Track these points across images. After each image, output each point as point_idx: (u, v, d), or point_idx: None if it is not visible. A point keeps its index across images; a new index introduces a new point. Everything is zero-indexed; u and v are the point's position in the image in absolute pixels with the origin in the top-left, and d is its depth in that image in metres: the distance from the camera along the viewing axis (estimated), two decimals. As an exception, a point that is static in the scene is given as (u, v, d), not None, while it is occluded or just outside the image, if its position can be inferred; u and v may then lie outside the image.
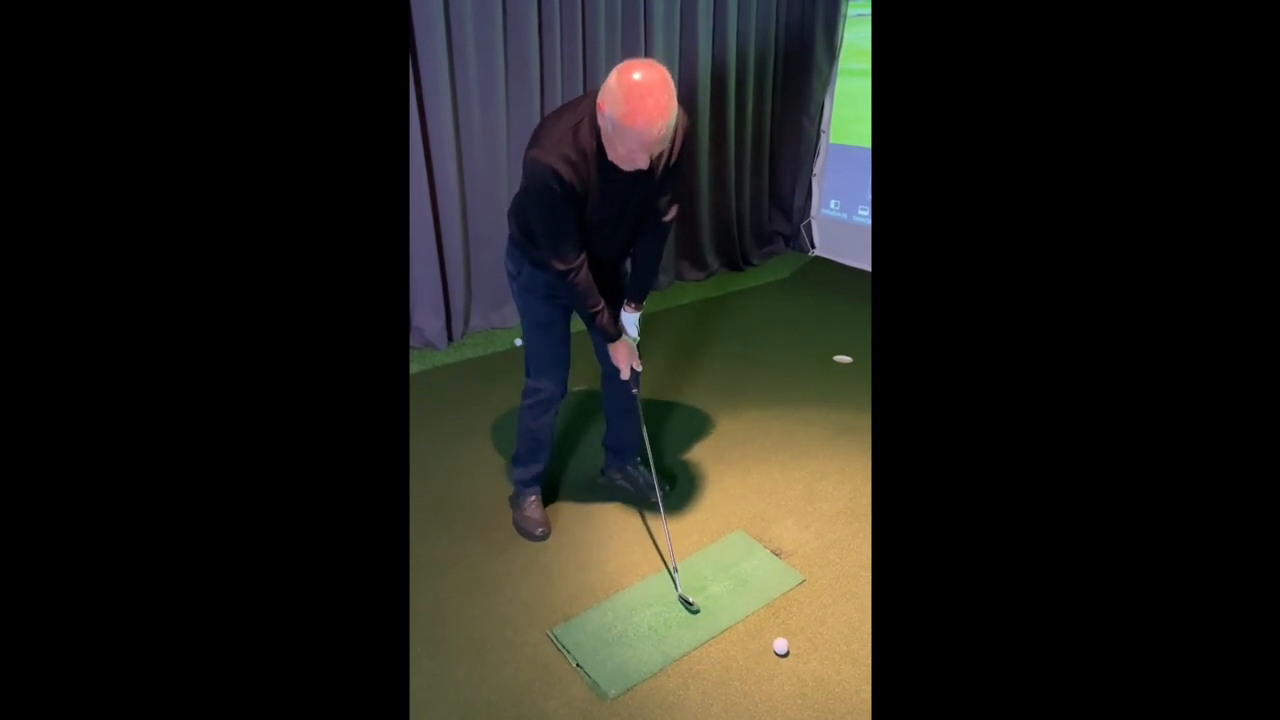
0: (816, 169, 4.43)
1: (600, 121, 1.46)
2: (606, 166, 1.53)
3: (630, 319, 1.89)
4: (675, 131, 1.60)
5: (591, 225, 1.67)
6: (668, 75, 1.41)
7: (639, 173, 1.55)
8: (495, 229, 3.14)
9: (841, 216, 4.42)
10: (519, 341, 3.27)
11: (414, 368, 3.05)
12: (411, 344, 3.18)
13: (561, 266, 1.64)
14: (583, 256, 1.65)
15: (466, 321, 3.35)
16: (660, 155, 1.60)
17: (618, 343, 1.86)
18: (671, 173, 1.67)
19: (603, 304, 1.76)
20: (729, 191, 4.10)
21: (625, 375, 1.92)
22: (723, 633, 1.74)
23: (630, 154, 1.46)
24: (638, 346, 1.93)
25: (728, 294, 3.99)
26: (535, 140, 1.54)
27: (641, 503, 2.19)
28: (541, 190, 1.52)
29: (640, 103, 1.37)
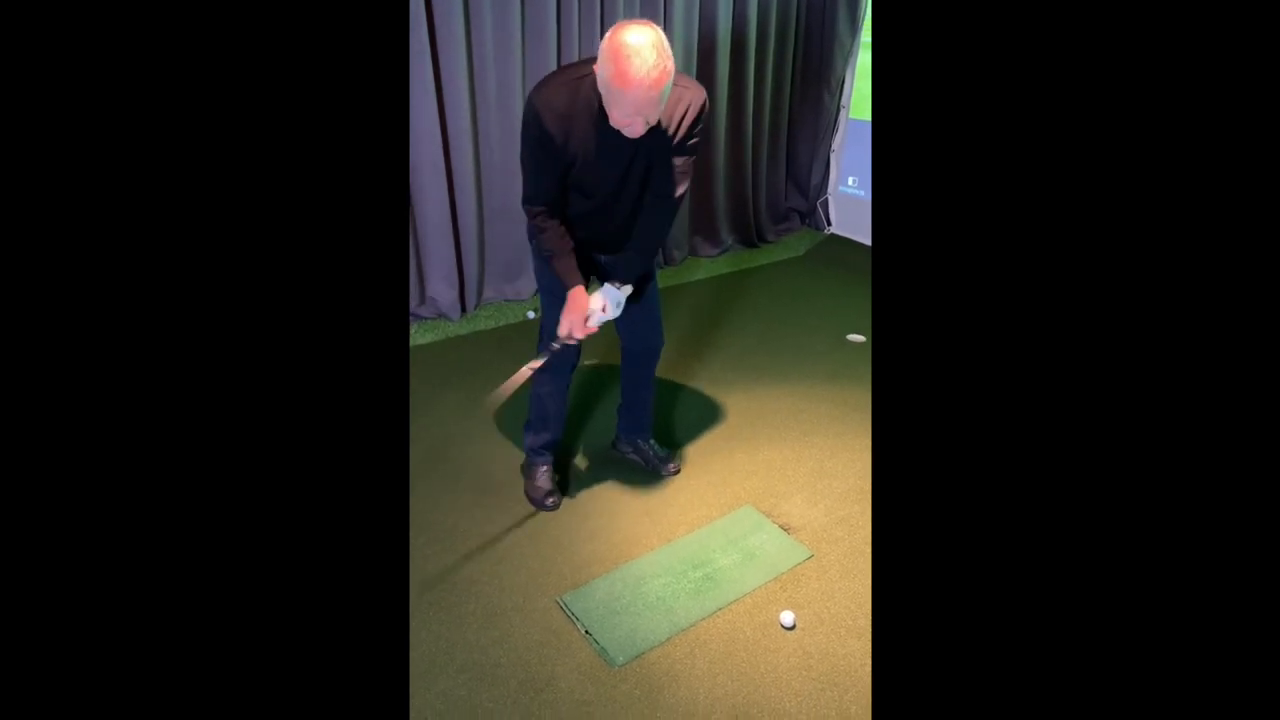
0: (835, 145, 4.36)
1: (599, 85, 1.45)
2: (608, 131, 1.52)
3: (613, 294, 1.77)
4: (684, 106, 1.57)
5: (590, 193, 1.66)
6: (661, 37, 1.39)
7: (642, 143, 1.53)
8: (510, 199, 3.13)
9: (858, 194, 4.36)
10: (532, 314, 3.28)
11: (427, 338, 3.06)
12: (425, 315, 3.19)
13: (528, 209, 1.67)
14: (552, 211, 1.66)
15: (480, 293, 3.35)
16: (671, 128, 1.57)
17: (571, 296, 1.72)
18: (682, 150, 1.63)
19: (560, 253, 1.70)
20: (745, 167, 4.05)
21: (562, 331, 1.75)
22: (730, 605, 1.76)
23: (624, 118, 1.44)
24: (614, 321, 1.78)
25: (742, 270, 3.96)
26: (539, 83, 1.58)
27: (651, 475, 2.20)
28: (524, 127, 1.57)
29: (628, 64, 1.35)
